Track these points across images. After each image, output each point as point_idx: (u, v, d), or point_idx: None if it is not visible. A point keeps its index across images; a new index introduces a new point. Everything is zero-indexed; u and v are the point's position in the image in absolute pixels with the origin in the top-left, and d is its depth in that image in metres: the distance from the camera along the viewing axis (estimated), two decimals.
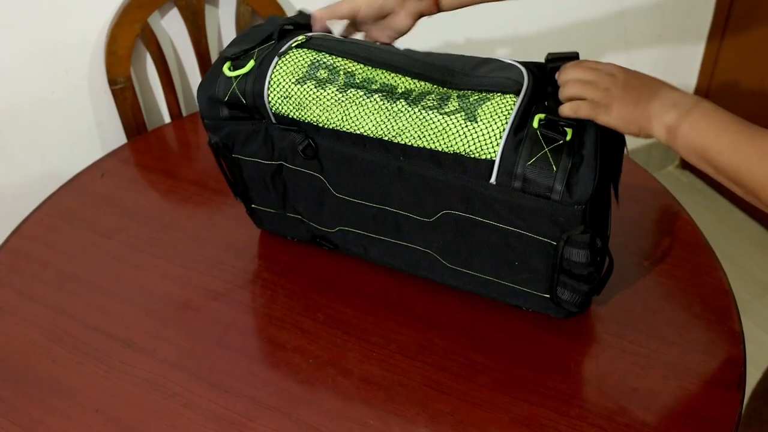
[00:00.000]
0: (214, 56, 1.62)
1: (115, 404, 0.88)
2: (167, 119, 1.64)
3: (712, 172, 0.77)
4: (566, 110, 0.82)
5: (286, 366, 0.92)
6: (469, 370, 0.90)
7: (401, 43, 1.01)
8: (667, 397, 0.87)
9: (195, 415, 0.86)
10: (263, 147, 0.97)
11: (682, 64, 2.33)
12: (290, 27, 0.98)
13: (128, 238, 1.12)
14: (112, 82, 1.49)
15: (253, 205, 1.06)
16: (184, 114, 1.65)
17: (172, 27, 1.57)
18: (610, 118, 0.81)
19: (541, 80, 0.87)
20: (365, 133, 0.89)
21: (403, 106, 0.87)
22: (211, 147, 0.99)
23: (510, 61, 0.90)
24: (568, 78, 0.84)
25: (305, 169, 0.97)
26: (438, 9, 1.01)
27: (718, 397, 0.86)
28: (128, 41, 1.47)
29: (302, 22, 1.01)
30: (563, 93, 0.84)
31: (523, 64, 0.89)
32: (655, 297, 0.99)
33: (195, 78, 1.65)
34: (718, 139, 0.75)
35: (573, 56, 0.88)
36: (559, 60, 0.88)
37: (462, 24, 1.79)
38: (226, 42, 1.65)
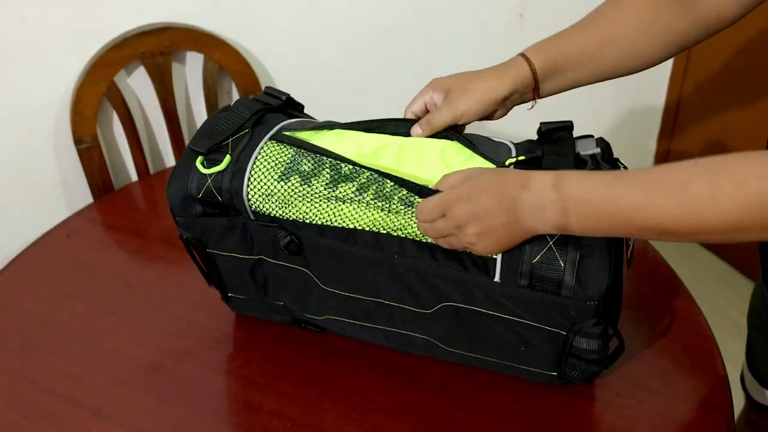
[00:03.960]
0: (181, 113, 1.61)
1: None
2: (134, 177, 1.62)
3: (632, 236, 0.72)
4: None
5: (262, 431, 0.88)
6: (452, 427, 0.87)
7: None
8: None
9: None
10: (241, 242, 0.92)
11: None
12: (262, 111, 0.93)
13: (96, 300, 1.09)
14: (77, 141, 1.46)
15: (229, 294, 1.00)
16: (152, 171, 1.62)
17: (138, 85, 1.56)
18: (494, 252, 0.77)
19: (534, 159, 0.83)
20: (359, 228, 0.84)
21: (398, 206, 0.82)
22: (183, 241, 0.94)
23: (500, 140, 0.87)
24: (428, 230, 0.79)
25: (288, 264, 0.92)
26: (536, 98, 0.93)
27: None
28: (94, 100, 1.45)
29: (273, 104, 0.95)
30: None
31: (516, 144, 0.86)
32: (637, 345, 0.97)
33: (162, 135, 1.64)
34: (616, 216, 0.68)
35: (567, 125, 0.86)
36: (552, 131, 0.85)
37: None
38: (193, 99, 1.64)
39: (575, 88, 0.92)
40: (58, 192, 1.55)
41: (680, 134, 2.35)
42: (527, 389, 0.92)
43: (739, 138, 2.12)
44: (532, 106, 0.93)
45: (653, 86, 2.31)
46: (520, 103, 0.92)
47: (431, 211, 0.77)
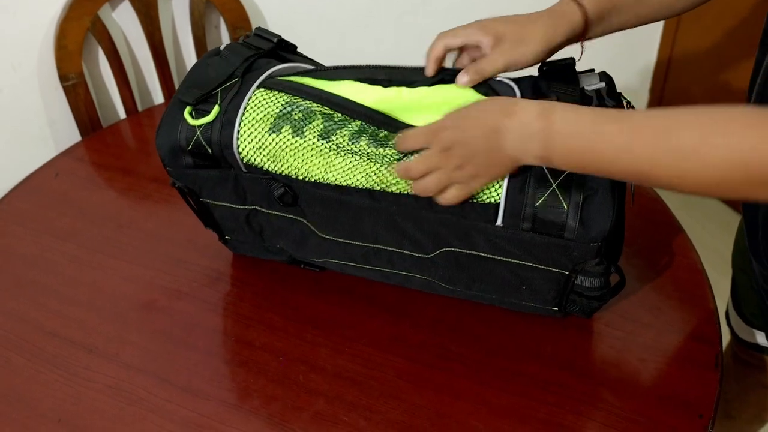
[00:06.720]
0: (168, 49, 1.58)
1: (78, 412, 0.84)
2: (122, 115, 1.60)
3: (613, 177, 0.70)
4: (442, 201, 0.78)
5: (255, 365, 0.89)
6: (444, 361, 0.88)
7: None
8: (645, 380, 0.86)
9: (162, 419, 0.83)
10: (233, 193, 0.90)
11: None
12: (253, 57, 0.89)
13: (86, 239, 1.08)
14: (63, 78, 1.44)
15: (226, 237, 1.00)
16: (140, 109, 1.60)
17: (124, 20, 1.52)
18: (482, 184, 0.76)
19: (538, 96, 0.80)
20: (353, 185, 0.82)
21: (393, 155, 0.80)
22: (176, 189, 0.92)
23: (501, 79, 0.83)
24: (413, 164, 0.77)
25: (284, 214, 0.90)
26: (583, 45, 0.91)
27: (696, 378, 0.85)
28: (78, 35, 1.42)
29: (265, 48, 0.91)
30: (417, 180, 0.77)
31: (517, 81, 0.83)
32: (629, 279, 0.97)
33: (150, 71, 1.61)
34: (600, 154, 0.66)
35: (569, 62, 0.83)
36: (554, 71, 0.83)
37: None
38: (180, 34, 1.61)
39: (616, 32, 0.89)
40: (45, 131, 1.53)
41: (669, 99, 2.36)
42: (520, 323, 0.92)
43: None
44: (581, 55, 0.89)
45: (643, 50, 2.28)
46: None
47: (417, 137, 0.76)
